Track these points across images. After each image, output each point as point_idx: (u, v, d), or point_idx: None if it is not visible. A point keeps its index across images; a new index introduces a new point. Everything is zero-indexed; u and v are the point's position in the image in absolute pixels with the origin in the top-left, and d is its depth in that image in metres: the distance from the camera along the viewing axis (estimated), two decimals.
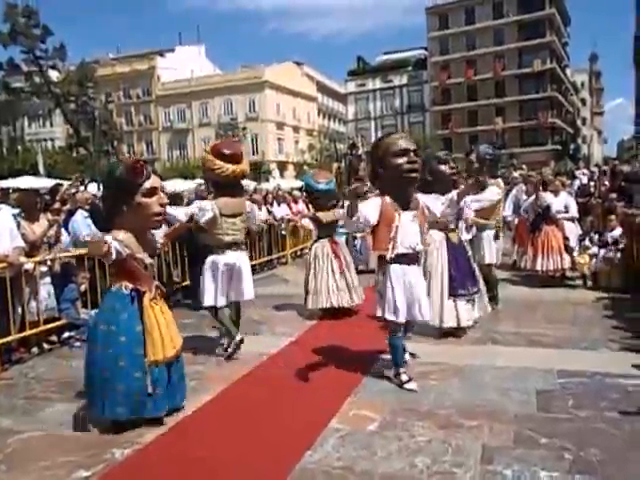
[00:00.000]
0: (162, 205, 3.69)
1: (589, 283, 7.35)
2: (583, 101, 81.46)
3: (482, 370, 4.31)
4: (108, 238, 3.43)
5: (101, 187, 3.63)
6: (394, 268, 3.98)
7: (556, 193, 7.54)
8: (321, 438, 3.28)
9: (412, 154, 3.95)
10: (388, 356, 4.73)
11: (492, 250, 6.20)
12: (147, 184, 3.58)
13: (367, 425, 3.44)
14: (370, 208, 3.96)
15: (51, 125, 50.55)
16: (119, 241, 3.47)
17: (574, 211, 7.67)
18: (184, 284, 7.83)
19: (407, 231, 3.94)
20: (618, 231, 7.25)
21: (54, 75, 34.48)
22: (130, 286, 3.59)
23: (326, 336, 5.73)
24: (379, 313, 4.09)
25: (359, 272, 9.51)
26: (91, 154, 31.47)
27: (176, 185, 16.41)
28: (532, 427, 3.29)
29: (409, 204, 4.02)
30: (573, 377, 4.08)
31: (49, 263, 5.51)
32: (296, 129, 52.94)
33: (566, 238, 7.39)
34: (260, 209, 10.47)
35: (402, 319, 4.00)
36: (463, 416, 3.49)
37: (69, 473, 3.01)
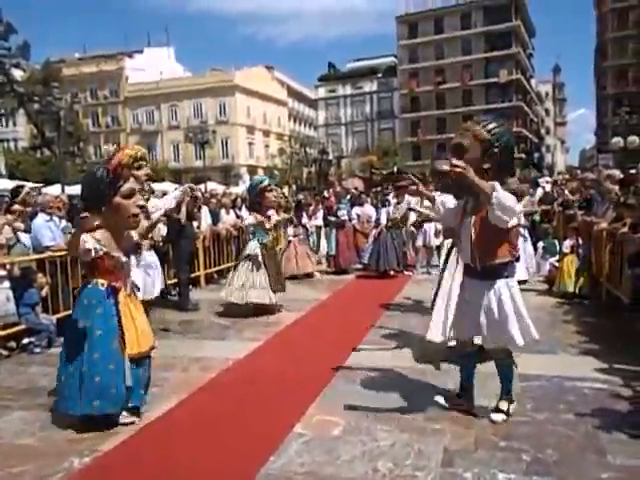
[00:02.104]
0: (139, 207, 3.84)
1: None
2: (547, 111, 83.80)
3: (445, 374, 4.36)
4: (86, 237, 3.55)
5: (81, 188, 3.87)
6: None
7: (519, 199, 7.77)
8: (285, 443, 3.27)
9: None
10: (355, 360, 4.78)
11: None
12: (126, 186, 3.74)
13: (331, 430, 3.45)
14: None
15: (14, 125, 49.07)
16: (96, 239, 3.61)
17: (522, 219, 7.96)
18: None
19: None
20: (568, 242, 7.49)
21: (17, 74, 33.61)
22: (105, 283, 3.69)
23: (292, 341, 5.74)
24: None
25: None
26: (56, 155, 30.74)
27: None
28: (492, 430, 3.36)
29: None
30: (533, 380, 4.17)
31: (8, 267, 5.36)
32: (266, 133, 52.85)
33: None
34: (228, 213, 10.44)
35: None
36: (426, 420, 3.54)
37: None
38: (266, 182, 7.26)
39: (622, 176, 7.49)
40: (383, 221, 9.63)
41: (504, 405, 3.51)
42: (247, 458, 3.13)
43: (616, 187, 6.62)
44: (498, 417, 3.48)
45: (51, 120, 27.07)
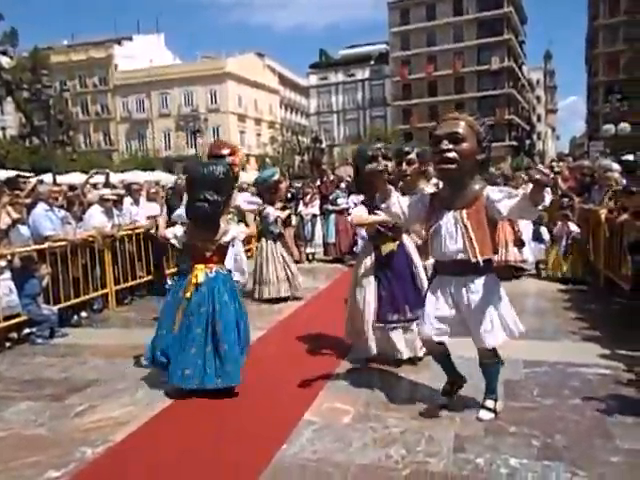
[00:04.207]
0: None
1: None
2: (538, 98, 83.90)
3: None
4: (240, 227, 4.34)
5: (214, 181, 3.96)
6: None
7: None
8: (296, 431, 3.29)
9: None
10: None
11: None
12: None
13: (341, 417, 3.47)
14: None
15: (2, 113, 48.48)
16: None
17: None
18: (147, 279, 7.68)
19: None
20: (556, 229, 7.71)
21: (4, 61, 33.13)
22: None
23: (296, 330, 5.74)
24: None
25: None
26: (45, 144, 30.39)
27: (136, 177, 16.06)
28: (501, 416, 3.39)
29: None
30: (537, 367, 4.23)
31: (8, 257, 5.32)
32: (258, 121, 52.51)
33: (517, 231, 7.55)
34: None
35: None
36: (435, 407, 3.56)
37: (39, 473, 2.92)
38: (277, 175, 7.33)
39: (616, 166, 7.55)
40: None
41: (492, 404, 3.44)
42: (259, 446, 3.15)
43: (615, 174, 6.66)
44: (485, 415, 3.38)
45: (40, 108, 26.75)
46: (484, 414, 3.39)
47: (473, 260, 3.14)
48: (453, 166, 3.13)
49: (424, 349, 4.12)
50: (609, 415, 3.36)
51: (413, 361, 4.36)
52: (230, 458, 3.04)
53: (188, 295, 3.97)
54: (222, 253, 4.13)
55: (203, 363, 3.85)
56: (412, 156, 4.89)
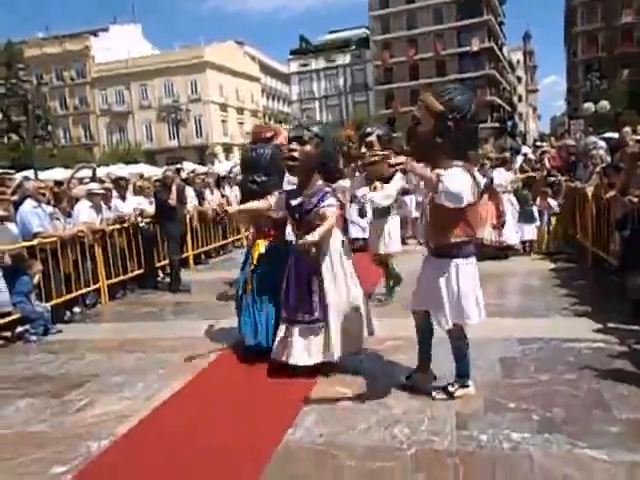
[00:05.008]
0: None
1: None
2: (519, 79, 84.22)
3: (447, 342, 4.43)
4: None
5: (261, 164, 4.32)
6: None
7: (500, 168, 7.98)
8: (300, 416, 3.32)
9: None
10: None
11: (392, 238, 5.49)
12: None
13: (343, 400, 3.50)
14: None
15: None
16: None
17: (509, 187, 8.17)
18: (138, 272, 7.63)
19: None
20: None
21: None
22: None
23: None
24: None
25: None
26: (24, 140, 29.88)
27: (121, 170, 15.86)
28: (499, 393, 3.45)
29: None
30: (532, 344, 4.29)
31: None
32: (240, 110, 52.00)
33: (502, 212, 7.58)
34: (212, 193, 10.33)
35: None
36: (434, 387, 3.60)
37: (45, 469, 2.92)
38: None
39: (601, 143, 7.64)
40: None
41: (451, 387, 3.45)
42: (264, 432, 3.17)
43: (600, 152, 6.73)
44: (438, 394, 3.45)
45: (18, 104, 26.26)
46: (436, 393, 3.46)
47: (430, 243, 3.22)
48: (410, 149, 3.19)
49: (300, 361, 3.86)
50: (605, 387, 3.44)
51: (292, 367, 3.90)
52: (236, 446, 3.05)
53: (252, 267, 4.37)
54: (280, 227, 4.43)
55: (273, 325, 4.23)
56: (371, 138, 4.82)
